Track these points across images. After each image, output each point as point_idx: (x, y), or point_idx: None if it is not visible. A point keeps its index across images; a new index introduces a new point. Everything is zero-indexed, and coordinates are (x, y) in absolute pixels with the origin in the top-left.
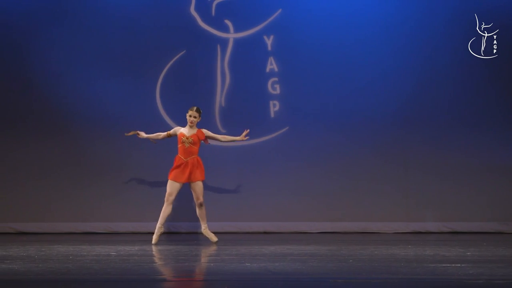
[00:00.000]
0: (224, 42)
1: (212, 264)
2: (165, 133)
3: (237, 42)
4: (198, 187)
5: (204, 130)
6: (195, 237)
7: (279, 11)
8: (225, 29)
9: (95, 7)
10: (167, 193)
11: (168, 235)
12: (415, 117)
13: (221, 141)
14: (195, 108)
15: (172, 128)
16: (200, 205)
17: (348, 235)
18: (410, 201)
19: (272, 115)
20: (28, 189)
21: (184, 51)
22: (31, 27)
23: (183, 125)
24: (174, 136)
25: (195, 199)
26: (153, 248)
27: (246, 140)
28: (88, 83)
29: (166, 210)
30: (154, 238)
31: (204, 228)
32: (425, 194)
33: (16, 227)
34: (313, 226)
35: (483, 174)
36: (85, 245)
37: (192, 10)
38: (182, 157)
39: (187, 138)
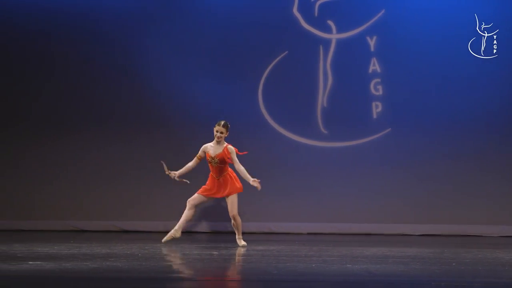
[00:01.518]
0: (326, 43)
1: (313, 265)
2: (195, 159)
3: (340, 42)
4: (230, 200)
5: (231, 149)
6: (296, 237)
7: (382, 11)
8: (328, 29)
9: (199, 7)
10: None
11: (269, 235)
12: None
13: (236, 168)
14: (222, 123)
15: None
16: (233, 218)
17: (451, 237)
18: None
19: (375, 116)
20: (132, 188)
21: (287, 51)
22: (137, 26)
23: (286, 125)
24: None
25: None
26: (253, 248)
27: (253, 186)
28: (190, 82)
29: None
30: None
31: (237, 238)
32: None
33: (119, 225)
34: (416, 228)
35: None
36: (187, 243)
37: (295, 10)
38: (214, 176)
39: (212, 159)
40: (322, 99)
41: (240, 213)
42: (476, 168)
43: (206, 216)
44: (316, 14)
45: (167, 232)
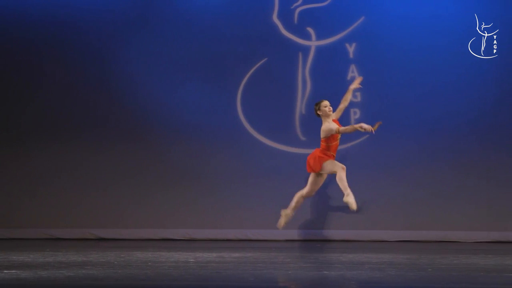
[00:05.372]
0: (306, 50)
1: (290, 272)
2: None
3: (319, 49)
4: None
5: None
6: (273, 244)
7: (362, 18)
8: (307, 36)
9: (177, 15)
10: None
11: (246, 242)
12: (497, 124)
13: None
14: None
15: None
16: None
17: (428, 244)
18: (492, 210)
19: (353, 122)
20: (108, 195)
21: (266, 58)
22: (113, 35)
23: (264, 132)
24: None
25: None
26: (230, 255)
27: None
28: (169, 90)
29: None
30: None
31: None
32: (508, 203)
33: (96, 233)
34: (392, 235)
35: None
36: (164, 251)
37: (275, 17)
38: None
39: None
40: (300, 106)
41: (217, 220)
42: (453, 173)
43: (182, 223)
44: (295, 21)
45: (145, 239)
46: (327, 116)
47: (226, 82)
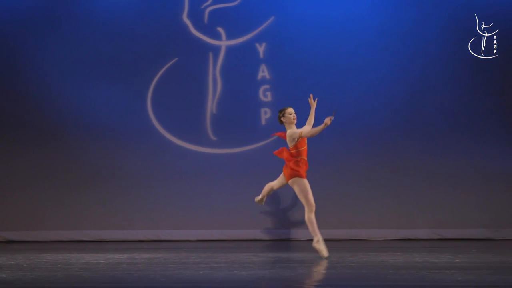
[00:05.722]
0: (216, 50)
1: (201, 272)
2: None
3: (229, 49)
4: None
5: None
6: (185, 244)
7: (272, 18)
8: (217, 36)
9: (87, 16)
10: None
11: (157, 243)
12: (407, 123)
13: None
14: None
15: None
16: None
17: (338, 242)
18: (401, 208)
19: (263, 122)
20: (17, 197)
21: (176, 58)
22: (23, 36)
23: (175, 132)
24: None
25: None
26: (141, 256)
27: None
28: (80, 90)
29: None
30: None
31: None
32: (416, 201)
33: (4, 235)
34: (302, 233)
35: (474, 181)
36: (74, 253)
37: (185, 17)
38: (305, 159)
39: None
40: (211, 106)
41: (128, 221)
42: (363, 172)
43: (93, 224)
44: (206, 21)
45: (55, 241)
46: (291, 123)
47: (137, 82)
